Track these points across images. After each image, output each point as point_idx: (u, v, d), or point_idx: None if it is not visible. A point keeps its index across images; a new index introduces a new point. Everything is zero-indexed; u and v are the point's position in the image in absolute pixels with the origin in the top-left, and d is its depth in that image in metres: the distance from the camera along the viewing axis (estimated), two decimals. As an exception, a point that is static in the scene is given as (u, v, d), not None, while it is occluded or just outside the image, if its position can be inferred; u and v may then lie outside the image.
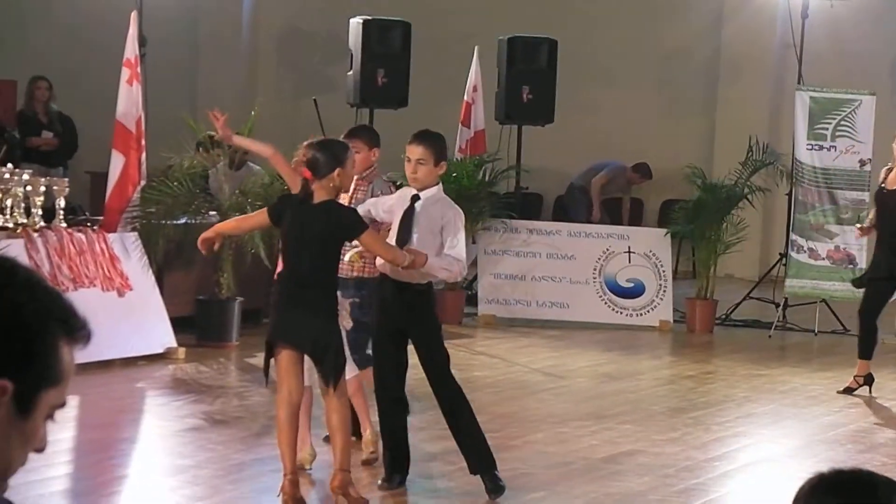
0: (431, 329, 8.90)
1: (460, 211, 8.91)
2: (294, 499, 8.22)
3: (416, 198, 8.69)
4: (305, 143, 8.39)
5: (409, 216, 8.65)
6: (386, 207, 8.87)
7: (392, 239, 8.61)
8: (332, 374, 8.24)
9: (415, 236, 8.59)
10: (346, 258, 8.85)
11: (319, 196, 8.24)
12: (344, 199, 8.92)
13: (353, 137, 9.26)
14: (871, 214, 13.27)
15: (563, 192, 21.88)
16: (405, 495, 8.90)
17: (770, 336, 16.05)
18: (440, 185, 8.89)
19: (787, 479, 9.37)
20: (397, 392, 8.85)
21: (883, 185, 12.91)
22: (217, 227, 9.22)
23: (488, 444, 8.87)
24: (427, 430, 10.50)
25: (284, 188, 13.97)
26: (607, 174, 20.81)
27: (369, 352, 9.20)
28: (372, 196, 9.25)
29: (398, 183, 10.26)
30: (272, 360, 8.39)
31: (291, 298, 8.39)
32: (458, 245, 8.65)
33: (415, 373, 10.67)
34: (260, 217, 8.86)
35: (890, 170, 12.93)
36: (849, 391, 12.66)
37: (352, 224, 8.24)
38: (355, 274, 9.33)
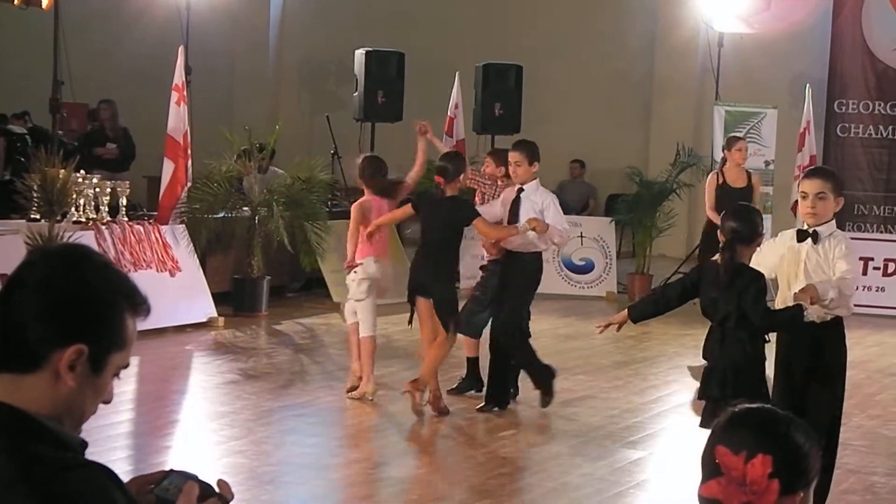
0: (524, 290, 9.55)
1: (554, 196, 9.62)
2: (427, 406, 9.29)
3: (520, 190, 9.43)
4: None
5: (516, 204, 9.41)
6: (500, 203, 9.62)
7: (505, 222, 9.43)
8: (446, 321, 9.16)
9: (522, 216, 9.27)
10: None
11: (448, 193, 9.21)
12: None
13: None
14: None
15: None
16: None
17: (694, 303, 15.98)
18: (537, 179, 9.50)
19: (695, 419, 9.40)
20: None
21: (724, 183, 12.75)
22: (376, 221, 9.72)
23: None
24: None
25: (303, 188, 14.03)
26: None
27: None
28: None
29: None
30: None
31: (423, 265, 9.27)
32: (555, 217, 9.33)
33: (412, 335, 10.69)
34: (406, 210, 9.61)
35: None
36: None
37: (466, 212, 9.17)
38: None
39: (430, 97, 18.88)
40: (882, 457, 8.78)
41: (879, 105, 19.49)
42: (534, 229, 9.15)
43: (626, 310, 7.15)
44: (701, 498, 2.53)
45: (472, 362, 10.31)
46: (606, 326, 7.15)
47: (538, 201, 9.39)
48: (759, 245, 6.55)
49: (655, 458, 8.68)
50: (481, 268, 10.22)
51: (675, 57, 21.02)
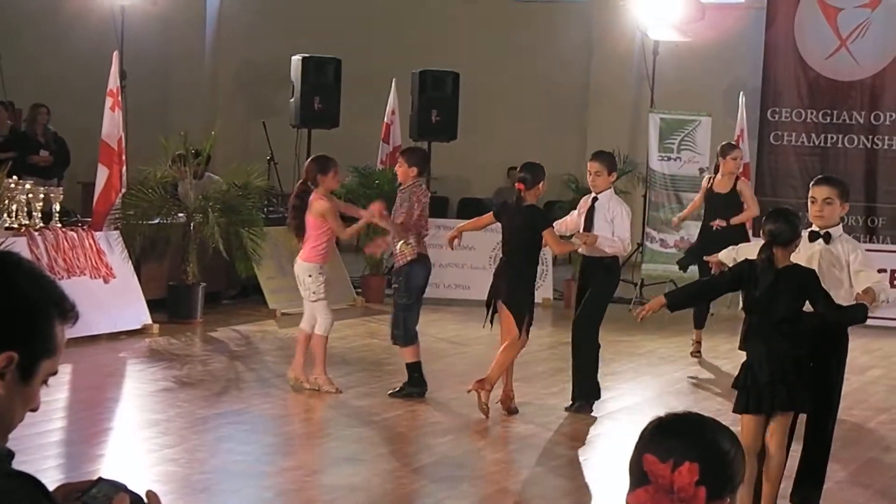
0: (601, 291, 9.95)
1: (626, 206, 10.17)
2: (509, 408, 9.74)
3: (595, 199, 9.94)
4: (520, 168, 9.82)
5: (590, 211, 9.93)
6: (577, 210, 10.17)
7: (580, 228, 9.90)
8: (524, 324, 9.61)
9: (595, 224, 9.77)
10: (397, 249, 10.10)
11: (527, 201, 9.61)
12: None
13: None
14: (688, 210, 13.86)
15: (466, 195, 21.96)
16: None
17: (630, 309, 16.00)
18: (612, 189, 10.05)
19: (643, 422, 9.41)
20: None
21: (710, 188, 13.13)
22: (458, 227, 10.31)
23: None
24: (357, 388, 10.52)
25: (239, 194, 14.00)
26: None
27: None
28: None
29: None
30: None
31: (504, 271, 9.74)
32: (619, 229, 9.79)
33: (348, 342, 10.69)
34: (488, 218, 10.10)
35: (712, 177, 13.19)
36: None
37: (540, 221, 9.60)
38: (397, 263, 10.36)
39: (366, 103, 18.90)
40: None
41: (812, 113, 19.70)
42: (584, 243, 9.73)
43: (663, 296, 7.40)
44: (629, 506, 2.55)
45: (415, 367, 10.34)
46: (646, 312, 7.27)
47: (610, 210, 9.88)
48: (797, 247, 6.92)
49: (590, 465, 8.72)
50: (393, 272, 10.40)
51: (610, 64, 21.15)
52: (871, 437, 9.72)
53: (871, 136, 19.49)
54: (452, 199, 21.96)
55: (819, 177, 7.79)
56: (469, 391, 9.61)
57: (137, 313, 12.94)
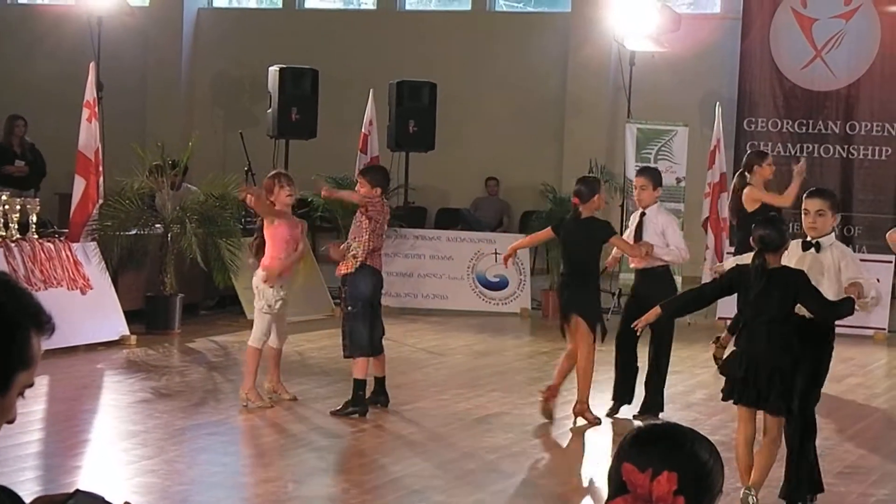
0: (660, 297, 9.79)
1: (673, 217, 10.84)
2: (546, 409, 9.96)
3: (643, 214, 10.30)
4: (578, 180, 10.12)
5: (640, 226, 10.28)
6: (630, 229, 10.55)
7: (630, 241, 10.25)
8: (597, 331, 9.89)
9: (645, 238, 10.13)
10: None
11: (584, 214, 9.84)
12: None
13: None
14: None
15: (443, 206, 21.96)
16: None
17: (608, 319, 16.08)
18: (658, 203, 10.41)
19: (620, 432, 9.47)
20: (631, 349, 10.23)
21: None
22: (514, 245, 10.68)
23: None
24: (334, 398, 10.50)
25: (216, 205, 13.96)
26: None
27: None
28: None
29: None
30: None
31: (568, 282, 9.97)
32: (673, 239, 10.19)
33: (326, 352, 10.68)
34: (546, 233, 10.39)
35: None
36: None
37: (603, 231, 9.89)
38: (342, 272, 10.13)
39: (344, 114, 18.90)
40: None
41: (787, 123, 19.79)
42: (647, 253, 10.06)
43: (658, 306, 7.81)
44: (608, 516, 2.55)
45: (359, 385, 9.95)
46: (644, 323, 7.91)
47: (659, 223, 10.24)
48: (785, 251, 7.38)
49: (570, 473, 8.71)
50: (342, 284, 10.13)
51: (587, 75, 21.18)
52: (848, 444, 9.74)
53: (846, 146, 19.60)
54: (430, 210, 21.94)
55: (811, 189, 8.19)
56: (576, 417, 9.90)
57: (115, 324, 12.89)
